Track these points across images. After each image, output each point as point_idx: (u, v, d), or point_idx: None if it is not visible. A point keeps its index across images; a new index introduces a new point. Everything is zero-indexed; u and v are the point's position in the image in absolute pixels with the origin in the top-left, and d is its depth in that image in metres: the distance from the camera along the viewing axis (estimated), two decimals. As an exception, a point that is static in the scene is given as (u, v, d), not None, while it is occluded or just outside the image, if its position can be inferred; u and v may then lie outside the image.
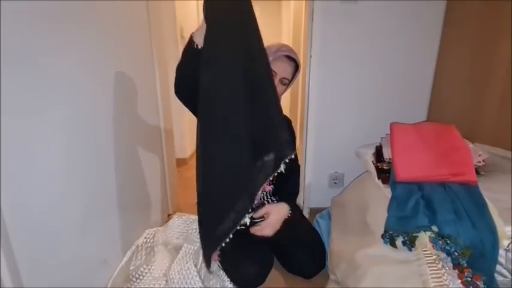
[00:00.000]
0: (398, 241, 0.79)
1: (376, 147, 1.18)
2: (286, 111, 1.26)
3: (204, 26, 0.70)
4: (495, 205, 0.79)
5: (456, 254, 0.69)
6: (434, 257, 0.72)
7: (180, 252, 1.08)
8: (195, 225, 1.23)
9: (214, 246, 0.78)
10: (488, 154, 1.00)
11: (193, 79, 0.72)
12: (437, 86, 1.43)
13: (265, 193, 1.14)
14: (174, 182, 1.66)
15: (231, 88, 0.70)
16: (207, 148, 0.75)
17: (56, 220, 0.73)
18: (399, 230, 0.79)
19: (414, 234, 0.77)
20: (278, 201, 1.06)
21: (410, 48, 1.40)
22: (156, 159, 1.43)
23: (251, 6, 0.70)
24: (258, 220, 1.03)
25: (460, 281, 0.67)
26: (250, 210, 0.76)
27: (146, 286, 0.98)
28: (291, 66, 1.01)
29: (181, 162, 2.40)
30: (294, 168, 1.20)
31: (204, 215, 0.81)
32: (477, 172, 0.92)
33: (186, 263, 1.03)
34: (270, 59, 0.94)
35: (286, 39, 2.68)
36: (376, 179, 1.06)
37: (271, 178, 0.78)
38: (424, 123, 1.20)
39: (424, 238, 0.75)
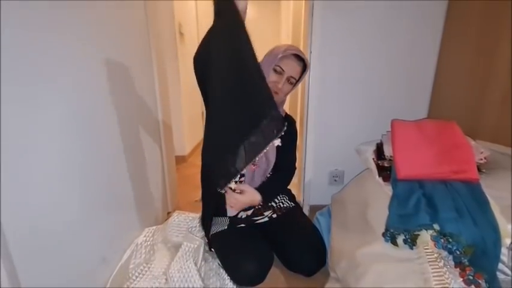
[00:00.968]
0: (400, 239, 0.78)
1: (377, 144, 1.17)
2: (285, 106, 1.25)
3: None
4: (497, 203, 0.79)
5: (458, 252, 0.69)
6: (435, 255, 0.71)
7: (180, 250, 1.07)
8: (195, 223, 1.23)
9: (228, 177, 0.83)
10: (489, 151, 0.99)
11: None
12: (438, 83, 1.43)
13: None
14: (174, 180, 1.66)
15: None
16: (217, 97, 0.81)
17: (54, 219, 0.72)
18: (400, 228, 0.79)
19: (416, 233, 0.76)
20: (257, 189, 1.06)
21: (411, 46, 1.39)
22: (155, 157, 1.42)
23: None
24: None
25: (461, 279, 0.66)
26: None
27: (146, 285, 0.97)
28: (299, 66, 1.03)
29: (180, 160, 2.40)
30: (288, 166, 1.20)
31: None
32: (479, 170, 0.91)
33: (186, 261, 1.02)
34: (279, 56, 0.97)
35: (286, 39, 2.66)
36: (377, 176, 1.06)
37: (257, 159, 0.82)
38: (426, 120, 1.19)
39: (425, 236, 0.75)
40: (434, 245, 0.73)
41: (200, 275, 0.99)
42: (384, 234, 0.81)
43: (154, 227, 1.22)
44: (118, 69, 1.03)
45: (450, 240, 0.71)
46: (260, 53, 0.85)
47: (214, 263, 1.10)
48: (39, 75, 0.67)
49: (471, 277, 0.66)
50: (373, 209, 0.96)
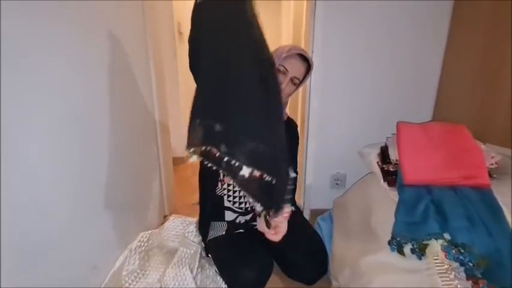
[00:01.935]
0: (407, 248, 0.74)
1: (381, 147, 1.13)
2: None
3: None
4: (509, 210, 0.75)
5: (471, 264, 0.64)
6: (446, 266, 0.67)
7: (176, 256, 1.03)
8: (192, 228, 1.18)
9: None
10: (500, 156, 0.95)
11: None
12: (443, 85, 1.40)
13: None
14: (171, 182, 1.61)
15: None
16: None
17: (46, 222, 0.70)
18: (408, 237, 0.75)
19: (424, 242, 0.72)
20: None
21: (415, 47, 1.35)
22: (151, 158, 1.38)
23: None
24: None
25: (474, 293, 0.62)
26: None
27: (139, 293, 0.93)
28: (303, 67, 1.00)
29: (178, 161, 2.35)
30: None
31: None
32: (489, 175, 0.87)
33: (182, 267, 0.98)
34: (283, 56, 0.94)
35: (286, 40, 2.63)
36: (382, 181, 1.02)
37: None
38: (433, 122, 1.16)
39: (435, 246, 0.71)
40: (445, 255, 0.69)
41: (196, 283, 0.95)
42: (389, 243, 0.78)
43: (149, 232, 1.18)
44: (114, 68, 1.00)
45: (462, 251, 0.66)
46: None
47: (211, 270, 1.06)
48: (34, 75, 0.65)
49: (485, 291, 0.62)
50: (378, 215, 0.92)
